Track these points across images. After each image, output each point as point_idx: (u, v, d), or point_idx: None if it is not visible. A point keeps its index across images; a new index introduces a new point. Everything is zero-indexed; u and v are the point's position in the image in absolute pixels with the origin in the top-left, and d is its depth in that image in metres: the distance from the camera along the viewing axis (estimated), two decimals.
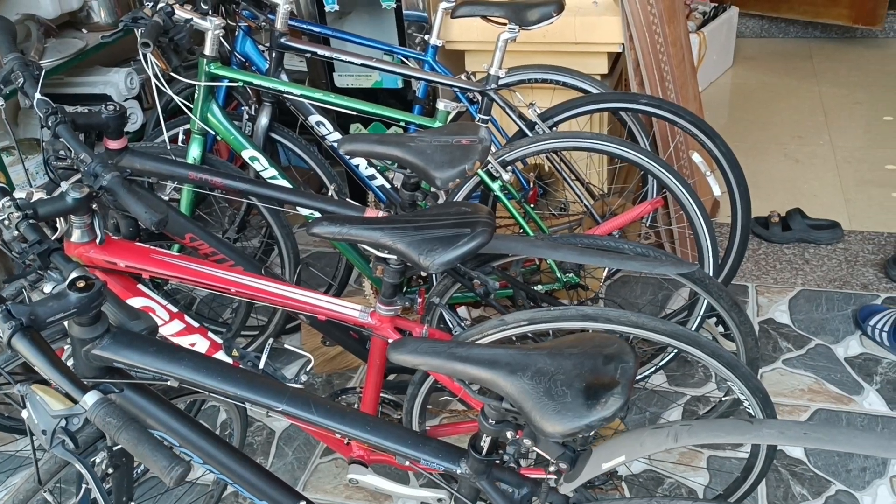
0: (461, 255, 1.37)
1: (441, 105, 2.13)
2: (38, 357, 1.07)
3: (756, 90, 4.13)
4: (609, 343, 1.00)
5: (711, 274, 2.17)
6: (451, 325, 1.67)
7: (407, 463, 1.22)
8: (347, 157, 2.22)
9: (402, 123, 2.20)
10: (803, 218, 2.93)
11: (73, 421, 1.05)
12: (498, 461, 1.14)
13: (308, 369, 1.68)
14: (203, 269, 1.55)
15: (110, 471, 1.41)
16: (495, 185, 2.10)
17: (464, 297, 2.05)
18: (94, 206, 1.51)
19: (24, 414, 1.08)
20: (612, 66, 2.67)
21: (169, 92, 2.11)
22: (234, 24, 2.51)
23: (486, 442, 1.11)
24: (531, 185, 2.55)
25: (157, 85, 2.06)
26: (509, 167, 2.15)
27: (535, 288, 2.17)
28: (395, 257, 1.45)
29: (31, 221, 1.38)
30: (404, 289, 2.24)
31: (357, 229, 1.42)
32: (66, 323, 1.21)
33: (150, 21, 1.93)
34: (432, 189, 2.06)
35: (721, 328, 2.48)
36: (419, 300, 1.55)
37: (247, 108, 2.41)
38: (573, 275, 2.16)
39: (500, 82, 2.43)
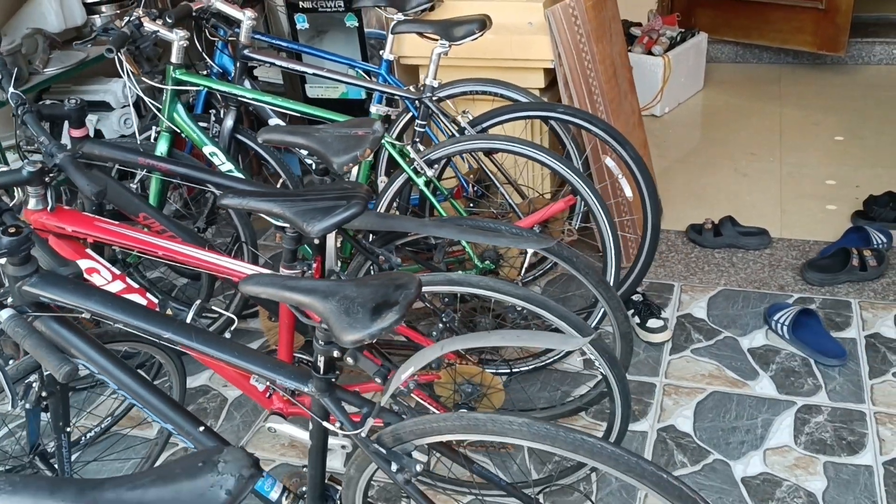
0: (337, 223, 1.64)
1: (373, 109, 2.43)
2: None
3: (721, 111, 4.37)
4: (401, 278, 1.26)
5: (613, 269, 2.41)
6: None
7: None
8: (266, 144, 2.53)
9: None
10: (734, 225, 3.15)
11: None
12: (334, 380, 1.40)
13: (231, 327, 1.96)
14: (133, 234, 1.85)
15: (44, 394, 1.70)
16: (420, 181, 2.38)
17: None
18: (46, 179, 1.81)
19: None
20: (550, 81, 2.94)
21: (139, 92, 2.44)
22: (213, 37, 2.84)
23: (320, 361, 1.38)
24: (470, 185, 2.82)
25: (129, 86, 2.39)
26: (435, 165, 2.43)
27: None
28: (288, 225, 1.73)
29: None
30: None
31: (255, 201, 1.70)
32: (6, 265, 1.51)
33: (119, 31, 2.25)
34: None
35: (637, 318, 2.71)
36: (315, 265, 1.82)
37: (214, 111, 2.72)
38: (489, 262, 2.42)
39: (444, 93, 2.73)
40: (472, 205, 2.81)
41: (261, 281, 1.32)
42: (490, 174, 2.61)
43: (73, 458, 2.43)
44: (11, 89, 1.96)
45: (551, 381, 2.56)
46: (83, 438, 2.45)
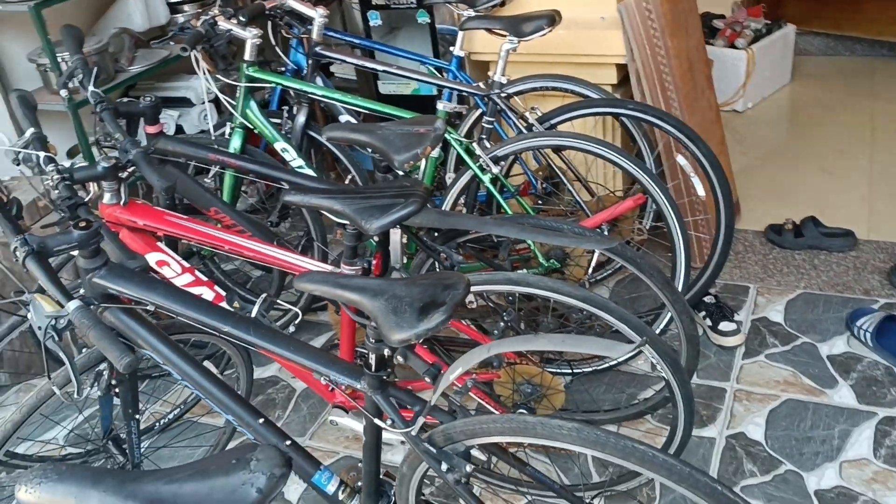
0: (394, 221, 1.65)
1: (440, 106, 2.42)
2: (42, 274, 1.43)
3: (808, 106, 4.19)
4: (450, 278, 1.25)
5: (683, 270, 2.34)
6: None
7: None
8: (330, 142, 2.56)
9: None
10: (816, 226, 3.02)
11: (60, 321, 1.40)
12: (385, 377, 1.40)
13: (296, 322, 2.00)
14: (201, 228, 1.90)
15: (114, 382, 1.77)
16: (485, 178, 2.36)
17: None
18: (120, 174, 1.88)
19: (29, 315, 1.44)
20: (623, 76, 2.88)
21: (214, 89, 2.51)
22: (288, 35, 2.89)
23: (372, 359, 1.39)
24: (539, 183, 2.79)
25: (204, 83, 2.46)
26: (502, 162, 2.41)
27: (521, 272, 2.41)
28: (348, 222, 1.74)
29: (66, 182, 1.76)
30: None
31: (317, 198, 1.72)
32: (77, 258, 1.58)
33: (193, 30, 2.32)
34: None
35: (709, 321, 2.63)
36: (375, 262, 1.83)
37: (287, 108, 2.77)
38: (555, 261, 2.39)
39: (514, 89, 2.71)
40: (540, 202, 2.78)
41: (314, 278, 1.34)
42: (558, 171, 2.58)
43: (147, 443, 2.53)
44: (91, 87, 2.03)
45: (617, 382, 2.51)
46: (157, 425, 2.54)
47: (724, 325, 2.60)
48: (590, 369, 2.42)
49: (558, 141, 2.30)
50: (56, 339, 1.40)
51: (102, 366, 1.74)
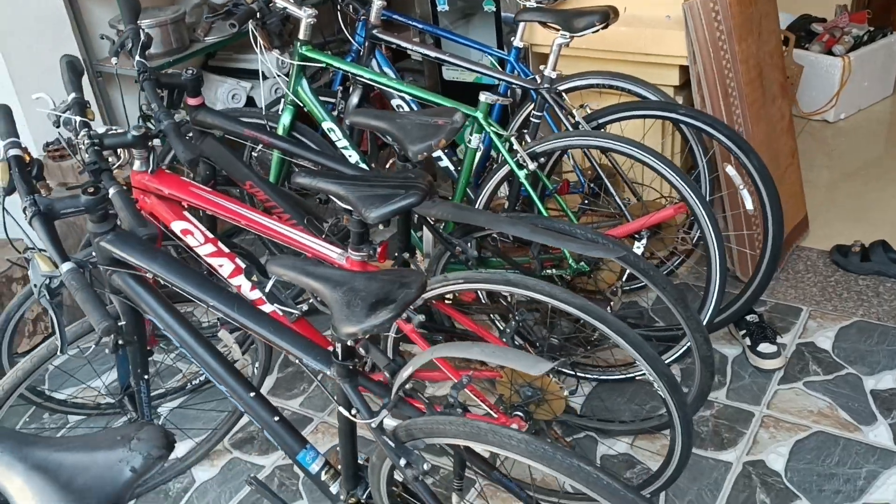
0: (392, 211, 1.64)
1: (482, 97, 2.39)
2: (44, 234, 1.51)
3: None
4: (409, 276, 1.25)
5: (717, 286, 2.25)
6: None
7: None
8: (354, 126, 2.55)
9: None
10: (886, 251, 2.84)
11: (53, 281, 1.47)
12: (352, 367, 1.41)
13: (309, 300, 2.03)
14: (221, 202, 1.95)
15: (120, 342, 1.84)
16: (521, 174, 2.33)
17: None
18: (150, 143, 1.95)
19: (29, 273, 1.52)
20: (686, 79, 2.76)
21: (268, 65, 2.56)
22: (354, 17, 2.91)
23: (339, 348, 1.39)
24: (586, 182, 2.73)
25: (260, 58, 2.52)
26: (542, 159, 2.37)
27: (549, 272, 2.37)
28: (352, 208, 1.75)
29: (96, 148, 1.84)
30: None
31: (324, 182, 1.74)
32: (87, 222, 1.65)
33: (246, 7, 2.37)
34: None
35: (748, 340, 2.52)
36: (378, 249, 1.83)
37: (341, 89, 2.80)
38: (584, 264, 2.33)
39: (568, 85, 2.66)
40: (586, 202, 2.72)
41: (284, 263, 1.36)
42: (601, 172, 2.51)
43: (178, 402, 2.64)
44: (137, 57, 2.11)
45: (641, 394, 2.44)
46: (188, 385, 2.64)
47: (764, 347, 2.49)
48: (599, 377, 2.37)
49: (596, 141, 2.24)
50: (48, 297, 1.47)
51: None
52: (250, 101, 3.54)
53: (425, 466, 1.41)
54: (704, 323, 2.31)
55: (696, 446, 2.25)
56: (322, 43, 2.93)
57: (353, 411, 1.44)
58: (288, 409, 2.57)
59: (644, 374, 2.33)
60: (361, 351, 1.38)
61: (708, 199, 2.67)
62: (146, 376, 1.97)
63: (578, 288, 2.49)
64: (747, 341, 2.53)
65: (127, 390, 2.08)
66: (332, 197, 1.74)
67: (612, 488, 1.20)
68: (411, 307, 1.81)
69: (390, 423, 1.45)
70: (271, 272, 1.37)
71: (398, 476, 1.57)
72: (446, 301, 2.22)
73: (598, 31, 2.36)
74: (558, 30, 2.42)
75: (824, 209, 3.23)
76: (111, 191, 1.76)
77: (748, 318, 2.57)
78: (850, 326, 2.63)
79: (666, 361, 2.33)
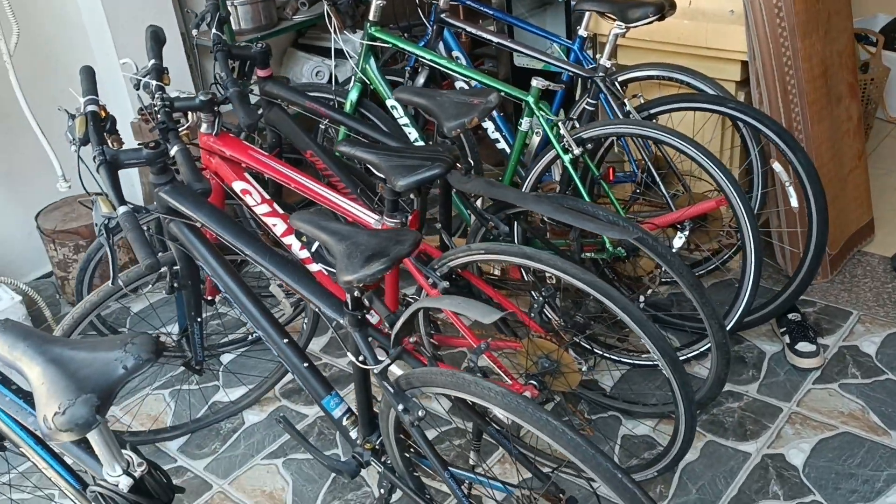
0: (418, 181, 1.77)
1: (534, 82, 2.48)
2: (108, 180, 1.71)
3: None
4: (404, 235, 1.37)
5: (751, 280, 2.28)
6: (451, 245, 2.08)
7: None
8: (398, 103, 2.67)
9: (504, 93, 2.59)
10: None
11: (111, 221, 1.67)
12: (360, 317, 1.55)
13: None
14: (275, 164, 2.13)
15: (175, 284, 2.05)
16: (566, 158, 2.41)
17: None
18: (216, 107, 2.14)
19: (93, 214, 1.73)
20: (748, 74, 2.77)
21: (340, 43, 2.73)
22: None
23: (349, 298, 1.53)
24: (640, 171, 2.78)
25: (333, 36, 2.70)
26: (589, 145, 2.45)
27: (588, 255, 2.45)
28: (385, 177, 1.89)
29: (166, 109, 2.05)
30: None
31: (361, 151, 1.88)
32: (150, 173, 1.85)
33: None
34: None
35: (788, 338, 2.52)
36: (410, 216, 1.96)
37: (409, 69, 2.94)
38: (622, 249, 2.40)
39: (627, 75, 2.72)
40: (637, 191, 2.77)
41: (303, 217, 1.51)
42: (648, 163, 2.56)
43: (241, 351, 2.85)
44: (213, 30, 2.31)
45: None
46: (249, 336, 2.85)
47: (803, 346, 2.49)
48: (646, 363, 2.43)
49: (639, 130, 2.29)
50: (106, 235, 1.67)
51: (163, 269, 2.02)
52: (332, 78, 3.73)
53: (420, 413, 1.53)
54: (736, 317, 2.34)
55: (718, 435, 2.29)
56: (401, 26, 3.07)
57: (361, 358, 1.58)
58: (337, 366, 2.75)
59: None
60: (366, 302, 1.52)
61: (760, 192, 2.68)
62: (199, 319, 2.17)
63: (620, 274, 2.56)
64: (786, 339, 2.53)
65: (185, 332, 2.29)
66: (368, 165, 1.89)
67: (575, 442, 1.29)
68: (438, 273, 1.94)
69: (398, 372, 1.58)
70: (292, 224, 1.52)
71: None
72: (491, 275, 2.34)
73: (651, 22, 2.40)
74: (614, 20, 2.48)
75: (895, 215, 3.16)
76: (174, 148, 1.96)
77: (790, 316, 2.57)
78: None
79: (692, 354, 2.39)
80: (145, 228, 2.15)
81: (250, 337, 2.85)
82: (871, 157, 3.53)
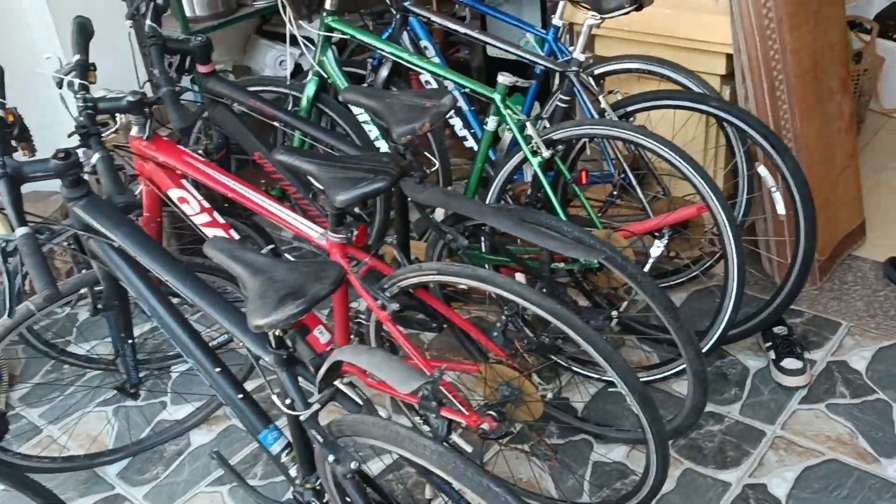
0: (359, 195, 1.59)
1: (500, 78, 2.29)
2: (7, 197, 1.51)
3: None
4: (328, 270, 1.19)
5: (734, 293, 2.10)
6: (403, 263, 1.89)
7: None
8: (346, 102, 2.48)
9: (468, 89, 2.40)
10: None
11: (9, 244, 1.49)
12: (285, 357, 1.37)
13: None
14: (211, 171, 1.94)
15: (100, 306, 1.86)
16: (535, 161, 2.23)
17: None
18: (147, 109, 1.95)
19: None
20: (733, 68, 2.58)
21: (296, 33, 2.53)
22: None
23: (271, 336, 1.35)
24: (618, 172, 2.60)
25: (289, 26, 2.50)
26: (559, 146, 2.26)
27: (558, 265, 2.27)
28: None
29: (89, 112, 1.85)
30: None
31: (301, 161, 1.69)
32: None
33: None
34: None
35: (773, 353, 2.36)
36: (356, 232, 1.77)
37: (372, 60, 2.75)
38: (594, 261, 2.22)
39: (604, 69, 2.52)
40: (615, 193, 2.58)
41: (218, 245, 1.32)
42: (624, 164, 2.38)
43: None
44: (149, 22, 2.10)
45: None
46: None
47: (789, 363, 2.32)
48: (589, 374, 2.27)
49: (612, 131, 2.11)
50: (2, 259, 1.48)
51: (83, 290, 1.83)
52: (298, 68, 3.52)
53: (353, 465, 1.36)
54: (718, 332, 2.17)
55: (697, 462, 2.12)
56: (369, 12, 2.87)
57: (288, 402, 1.41)
58: None
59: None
60: (288, 343, 1.34)
61: (746, 197, 2.50)
62: (131, 340, 1.99)
63: (593, 285, 2.38)
64: (772, 355, 2.37)
65: (118, 353, 2.11)
66: (309, 177, 1.70)
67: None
68: (386, 294, 1.76)
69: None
70: (206, 253, 1.34)
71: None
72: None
73: (628, 12, 2.21)
74: (588, 9, 2.28)
75: (887, 216, 2.98)
76: (95, 156, 1.77)
77: (776, 329, 2.40)
78: (891, 348, 2.42)
79: (670, 373, 2.23)
80: (66, 243, 1.96)
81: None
82: (863, 153, 3.36)
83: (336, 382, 1.42)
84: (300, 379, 1.42)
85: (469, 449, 1.94)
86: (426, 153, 2.64)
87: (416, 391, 1.21)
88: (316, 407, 1.37)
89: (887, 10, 3.80)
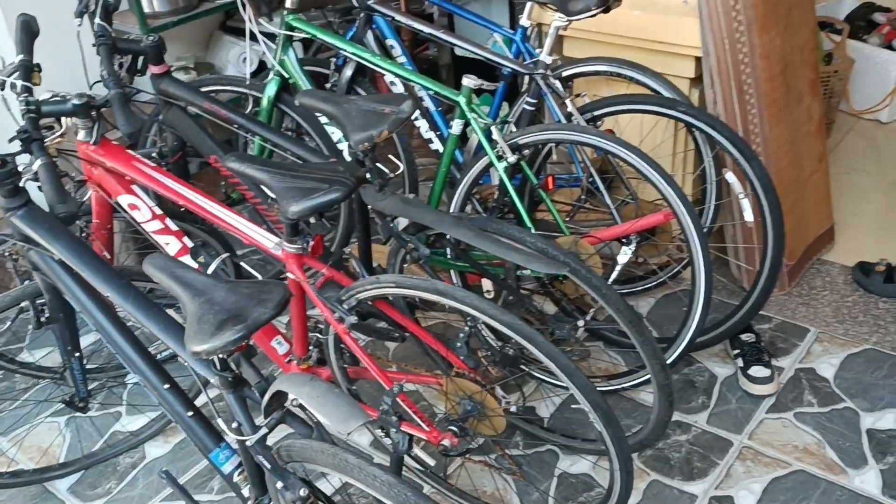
0: (313, 207, 1.52)
1: (465, 81, 2.23)
2: None
3: None
4: (271, 292, 1.12)
5: (701, 301, 2.07)
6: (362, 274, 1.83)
7: None
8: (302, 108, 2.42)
9: (433, 91, 2.33)
10: None
11: None
12: (231, 379, 1.30)
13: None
14: (160, 178, 1.86)
15: (47, 316, 1.78)
16: (500, 166, 2.17)
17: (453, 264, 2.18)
18: (94, 112, 1.86)
19: None
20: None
21: (257, 33, 2.46)
22: None
23: (215, 359, 1.29)
24: (585, 176, 2.55)
25: (248, 25, 2.43)
26: (525, 151, 2.21)
27: (524, 272, 2.22)
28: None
29: (31, 115, 1.77)
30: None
31: (253, 168, 1.62)
32: None
33: None
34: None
35: (741, 361, 2.33)
36: (312, 242, 1.71)
37: (335, 60, 2.67)
38: None
39: (571, 71, 2.47)
40: (583, 198, 2.54)
41: (157, 263, 1.25)
42: (591, 169, 2.33)
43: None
44: (97, 20, 2.02)
45: (619, 409, 2.28)
46: (158, 355, 2.58)
47: (756, 371, 2.29)
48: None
49: (578, 137, 2.06)
50: None
51: (25, 303, 1.75)
52: (262, 65, 3.44)
53: (302, 492, 1.30)
54: (686, 340, 2.14)
55: (663, 473, 2.09)
56: (335, 9, 2.80)
57: (235, 425, 1.34)
58: None
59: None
60: (233, 364, 1.27)
61: (715, 203, 2.46)
62: (77, 353, 1.91)
63: (561, 292, 2.33)
64: (739, 362, 2.33)
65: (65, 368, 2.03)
66: (262, 186, 1.63)
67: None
68: (344, 306, 1.70)
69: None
70: (145, 270, 1.27)
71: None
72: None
73: (595, 14, 2.16)
74: (555, 10, 2.23)
75: (856, 220, 2.97)
76: (37, 162, 1.69)
77: (744, 336, 2.37)
78: (859, 355, 2.40)
79: (637, 382, 2.19)
80: (7, 254, 1.87)
81: (158, 356, 2.59)
82: (833, 154, 3.34)
83: (287, 404, 1.36)
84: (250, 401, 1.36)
85: (432, 462, 1.90)
86: (391, 156, 2.58)
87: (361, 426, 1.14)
88: (263, 431, 1.31)
89: (857, 10, 3.79)
